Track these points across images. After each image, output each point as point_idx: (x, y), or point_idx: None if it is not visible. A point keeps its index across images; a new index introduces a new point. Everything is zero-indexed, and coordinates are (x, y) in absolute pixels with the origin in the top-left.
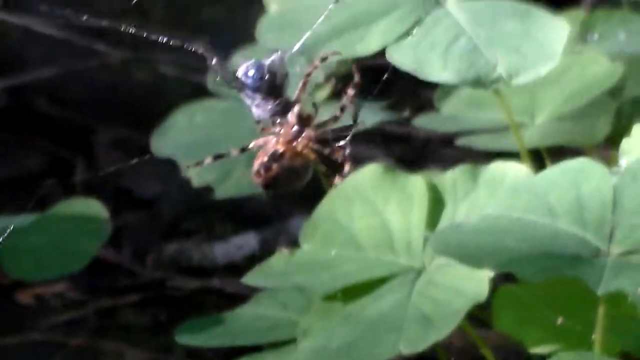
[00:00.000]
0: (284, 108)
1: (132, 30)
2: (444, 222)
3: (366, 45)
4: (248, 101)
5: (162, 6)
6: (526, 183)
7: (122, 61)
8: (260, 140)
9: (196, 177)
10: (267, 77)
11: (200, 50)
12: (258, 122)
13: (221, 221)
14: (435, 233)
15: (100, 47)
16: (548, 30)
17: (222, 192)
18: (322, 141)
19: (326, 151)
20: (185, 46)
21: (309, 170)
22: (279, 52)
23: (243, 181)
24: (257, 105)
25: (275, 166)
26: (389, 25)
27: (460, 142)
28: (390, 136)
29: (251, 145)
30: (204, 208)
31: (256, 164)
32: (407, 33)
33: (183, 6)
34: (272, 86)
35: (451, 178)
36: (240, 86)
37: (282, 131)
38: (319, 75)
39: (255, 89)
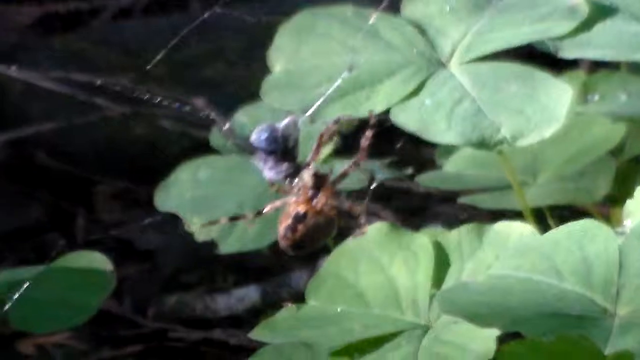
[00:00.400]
0: (297, 170)
1: (131, 86)
2: (450, 280)
3: (371, 105)
4: (260, 164)
5: (162, 62)
6: (532, 244)
7: (121, 115)
8: (277, 203)
9: (200, 232)
10: (280, 140)
11: (200, 107)
12: (272, 184)
13: (222, 273)
14: (442, 291)
15: (100, 101)
16: (551, 93)
17: (226, 247)
18: (338, 196)
19: (344, 206)
20: (184, 102)
21: (333, 225)
22: (293, 116)
23: (246, 237)
24: (270, 168)
25: (300, 227)
26: (394, 87)
27: (463, 200)
28: (391, 191)
29: (266, 210)
30: (205, 260)
31: (282, 228)
32: (412, 94)
33: (183, 62)
34: (285, 149)
35: (456, 237)
36: (253, 149)
37: (300, 192)
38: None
39: (269, 152)
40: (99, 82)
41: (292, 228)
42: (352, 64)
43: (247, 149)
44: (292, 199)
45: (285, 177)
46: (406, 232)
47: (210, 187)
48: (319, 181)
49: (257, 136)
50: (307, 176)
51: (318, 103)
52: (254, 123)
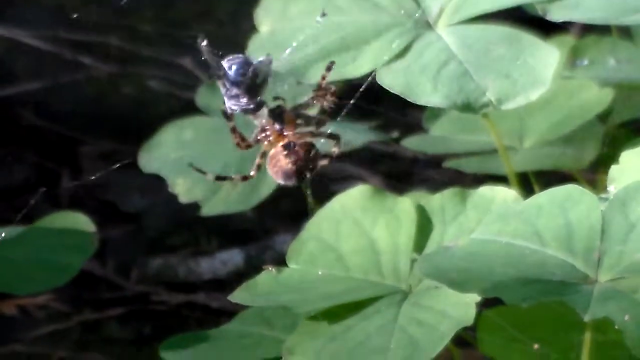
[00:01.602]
0: (256, 107)
1: (120, 44)
2: (432, 244)
3: (357, 67)
4: (223, 90)
5: (150, 21)
6: (515, 209)
7: (109, 75)
8: (258, 160)
9: (184, 193)
10: (250, 74)
11: (188, 67)
12: (233, 131)
13: (206, 236)
14: (424, 256)
15: (87, 60)
16: (538, 56)
17: (210, 209)
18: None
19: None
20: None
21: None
22: (269, 56)
23: (230, 198)
24: (230, 97)
25: (297, 150)
26: (380, 48)
27: (449, 164)
28: (377, 155)
29: (252, 173)
30: (189, 223)
31: (283, 164)
32: (398, 56)
33: (171, 21)
34: (252, 84)
35: (439, 201)
36: (221, 75)
37: (268, 134)
38: (305, 94)
39: (234, 82)
40: (90, 36)
41: (292, 154)
42: (324, 11)
43: (217, 74)
44: (266, 144)
45: (244, 110)
46: (389, 195)
47: (195, 148)
48: (280, 115)
49: (228, 64)
50: (266, 116)
51: (288, 51)
52: None
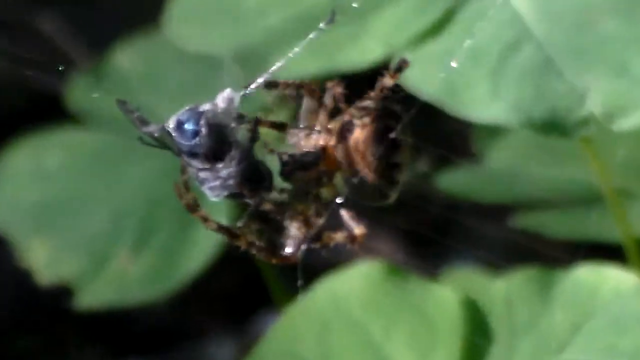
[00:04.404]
0: (252, 174)
1: None
2: None
3: (360, 52)
4: (191, 171)
5: None
6: (637, 309)
7: None
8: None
9: (45, 266)
10: (205, 131)
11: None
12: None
13: (78, 338)
14: None
15: None
16: None
17: (89, 297)
18: None
19: None
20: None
21: None
22: (227, 90)
23: (126, 279)
24: (202, 179)
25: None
26: (399, 20)
27: (516, 222)
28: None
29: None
30: (51, 314)
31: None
32: (430, 34)
33: None
34: (219, 145)
35: (504, 291)
36: (177, 147)
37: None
38: (266, 96)
39: (193, 154)
40: None
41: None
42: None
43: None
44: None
45: (231, 194)
46: (414, 280)
47: (65, 184)
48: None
49: (176, 128)
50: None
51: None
52: (147, 70)
